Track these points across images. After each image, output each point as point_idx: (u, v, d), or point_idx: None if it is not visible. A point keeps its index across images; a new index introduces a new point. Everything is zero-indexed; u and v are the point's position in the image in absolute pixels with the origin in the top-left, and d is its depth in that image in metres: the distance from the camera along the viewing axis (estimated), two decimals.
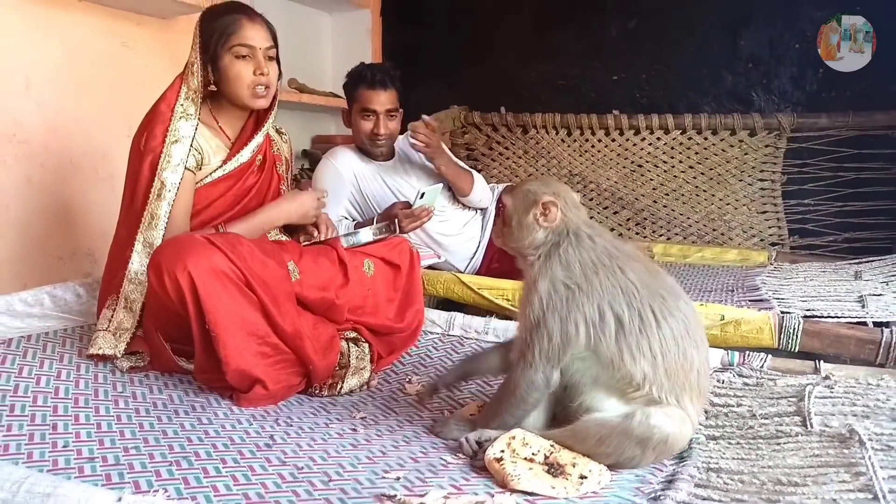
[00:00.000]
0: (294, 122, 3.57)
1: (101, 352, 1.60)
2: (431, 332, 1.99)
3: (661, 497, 1.03)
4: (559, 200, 1.27)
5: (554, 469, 1.13)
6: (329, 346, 1.68)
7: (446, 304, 2.25)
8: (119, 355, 1.62)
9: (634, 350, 1.16)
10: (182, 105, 1.71)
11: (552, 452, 1.17)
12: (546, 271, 1.23)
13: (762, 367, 1.61)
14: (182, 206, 1.70)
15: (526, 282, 1.28)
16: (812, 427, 1.24)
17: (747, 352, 1.66)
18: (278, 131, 2.02)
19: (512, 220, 1.32)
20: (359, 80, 2.36)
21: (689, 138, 3.34)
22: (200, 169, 1.74)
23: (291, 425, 1.38)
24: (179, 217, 1.70)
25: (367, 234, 1.96)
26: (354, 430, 1.38)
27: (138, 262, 1.65)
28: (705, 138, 3.31)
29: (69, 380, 1.50)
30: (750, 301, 2.12)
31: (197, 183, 1.74)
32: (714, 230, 3.33)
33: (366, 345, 1.78)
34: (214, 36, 1.70)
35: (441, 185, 2.26)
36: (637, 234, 3.41)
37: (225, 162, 1.77)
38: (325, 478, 1.12)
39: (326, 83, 3.79)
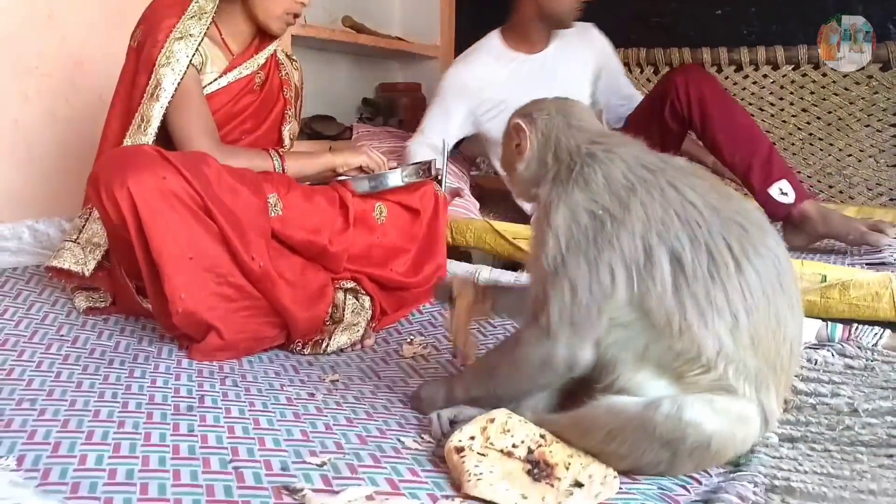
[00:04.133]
0: (353, 67, 3.29)
1: (63, 265, 1.38)
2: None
3: None
4: (538, 119, 0.92)
5: (538, 469, 0.80)
6: (317, 295, 1.40)
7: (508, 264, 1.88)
8: (86, 273, 1.39)
9: (704, 304, 0.79)
10: (198, 2, 1.47)
11: (540, 446, 0.83)
12: (561, 199, 0.88)
13: (875, 345, 1.17)
14: (201, 106, 1.46)
15: (536, 221, 0.93)
16: None
17: (855, 325, 1.23)
18: (289, 57, 1.78)
19: (504, 162, 1.01)
20: None
21: (804, 75, 2.77)
22: (201, 75, 1.50)
23: (238, 385, 1.12)
24: (201, 116, 1.45)
25: (395, 178, 1.60)
26: (312, 395, 1.10)
27: None
28: (824, 74, 2.73)
29: (12, 319, 1.30)
30: (867, 264, 1.64)
31: None
32: (831, 187, 2.76)
33: (366, 298, 1.49)
34: None
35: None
36: (737, 190, 2.90)
37: (221, 75, 1.52)
38: (228, 456, 0.85)
39: (392, 26, 3.48)
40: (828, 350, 1.16)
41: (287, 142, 1.67)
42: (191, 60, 1.42)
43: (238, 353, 1.27)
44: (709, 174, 0.91)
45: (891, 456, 0.81)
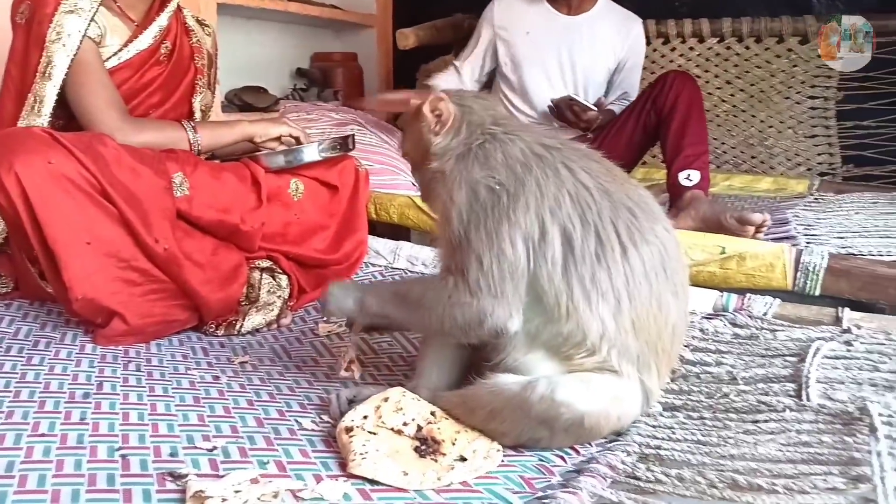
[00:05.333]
0: (286, 36, 3.20)
1: None
2: (375, 265, 1.67)
3: (549, 499, 0.70)
4: (449, 96, 0.93)
5: (426, 446, 0.82)
6: (230, 276, 1.39)
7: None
8: None
9: (589, 286, 0.82)
10: None
11: (430, 423, 0.85)
12: (461, 175, 0.89)
13: (766, 314, 1.23)
14: (102, 78, 1.38)
15: (440, 198, 0.94)
16: (808, 399, 0.88)
17: (749, 295, 1.28)
18: (200, 22, 1.70)
19: (406, 143, 1.00)
20: None
21: (728, 47, 2.83)
22: (100, 47, 1.42)
23: (141, 371, 1.11)
24: (105, 87, 1.37)
25: (312, 152, 1.55)
26: (217, 378, 1.10)
27: None
28: (746, 47, 2.80)
29: None
30: (772, 238, 1.71)
31: None
32: (753, 157, 2.85)
33: (283, 277, 1.49)
34: None
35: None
36: (663, 161, 2.96)
37: (123, 47, 1.45)
38: (117, 443, 0.84)
39: None
40: (720, 320, 1.22)
41: (198, 114, 1.60)
42: (84, 33, 1.34)
43: (146, 338, 1.25)
44: (606, 159, 0.93)
45: (756, 422, 0.86)
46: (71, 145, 1.17)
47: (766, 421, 0.85)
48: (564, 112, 2.15)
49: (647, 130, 2.09)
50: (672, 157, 1.96)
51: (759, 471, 0.73)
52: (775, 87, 2.79)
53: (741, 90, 2.85)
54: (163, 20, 1.50)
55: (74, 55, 1.33)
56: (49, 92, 1.33)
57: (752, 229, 1.66)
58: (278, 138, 1.57)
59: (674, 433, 0.86)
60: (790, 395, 0.90)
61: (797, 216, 1.95)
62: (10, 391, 0.98)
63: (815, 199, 2.25)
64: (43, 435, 0.85)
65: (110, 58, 1.43)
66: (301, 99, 2.94)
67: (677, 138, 1.97)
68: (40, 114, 1.34)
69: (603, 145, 2.11)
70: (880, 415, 0.78)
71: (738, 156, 2.87)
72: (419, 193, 1.06)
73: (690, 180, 1.88)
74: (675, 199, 1.91)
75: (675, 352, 0.90)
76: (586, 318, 0.81)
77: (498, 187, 0.85)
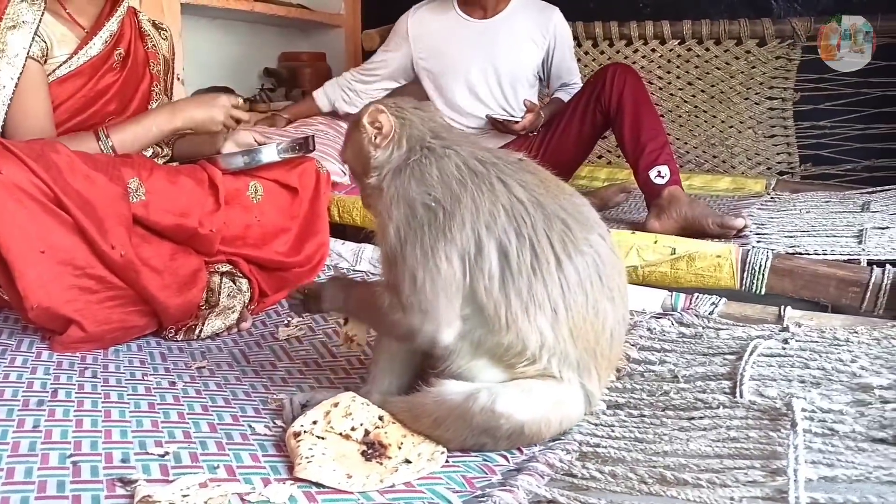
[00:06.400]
0: (253, 35, 3.19)
1: None
2: (337, 267, 1.69)
3: (486, 498, 0.73)
4: (389, 108, 0.94)
5: (372, 450, 0.84)
6: (189, 281, 1.39)
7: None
8: None
9: (527, 298, 0.84)
10: None
11: (378, 427, 0.88)
12: (398, 191, 0.90)
13: (712, 313, 1.28)
14: (37, 105, 1.38)
15: (378, 212, 0.96)
16: (741, 396, 0.92)
17: (696, 294, 1.33)
18: (156, 26, 1.69)
19: (347, 152, 1.01)
20: None
21: (688, 49, 2.89)
22: (45, 62, 1.42)
23: (97, 377, 1.12)
24: (37, 117, 1.37)
25: (270, 153, 1.54)
26: (174, 384, 1.11)
27: None
28: (706, 49, 2.86)
29: None
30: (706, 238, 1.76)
31: None
32: (714, 157, 2.92)
33: (244, 281, 1.50)
34: None
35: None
36: (619, 156, 3.01)
37: (72, 55, 1.45)
38: (69, 450, 0.85)
39: None
40: (668, 319, 1.26)
41: None
42: (28, 53, 1.33)
43: (104, 344, 1.26)
44: (541, 169, 0.95)
45: (691, 418, 0.89)
46: (23, 154, 1.17)
47: (700, 418, 0.89)
48: (497, 124, 2.16)
49: (595, 125, 2.11)
50: (636, 157, 1.97)
51: (688, 466, 0.76)
52: (735, 87, 2.86)
53: (702, 91, 2.91)
54: (113, 25, 1.50)
55: (20, 74, 1.33)
56: None
57: (733, 233, 1.74)
58: (224, 126, 1.54)
59: (613, 431, 0.89)
60: (725, 393, 0.94)
61: (752, 215, 2.00)
62: None
63: (772, 198, 2.32)
64: None
65: (60, 66, 1.43)
66: (269, 99, 2.94)
67: (634, 135, 1.97)
68: None
69: (551, 144, 2.15)
70: (803, 410, 0.82)
71: (701, 155, 2.94)
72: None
73: (662, 177, 1.89)
74: (652, 198, 1.91)
75: (615, 355, 0.93)
76: (525, 329, 0.84)
77: (434, 204, 0.87)
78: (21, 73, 1.34)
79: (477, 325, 0.88)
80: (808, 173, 2.78)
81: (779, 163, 2.82)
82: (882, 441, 0.75)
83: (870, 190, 2.27)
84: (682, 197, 1.88)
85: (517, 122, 2.12)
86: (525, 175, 0.92)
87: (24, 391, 1.03)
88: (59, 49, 1.43)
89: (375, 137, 0.94)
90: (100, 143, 1.41)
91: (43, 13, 1.39)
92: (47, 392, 1.04)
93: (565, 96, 2.29)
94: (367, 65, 2.39)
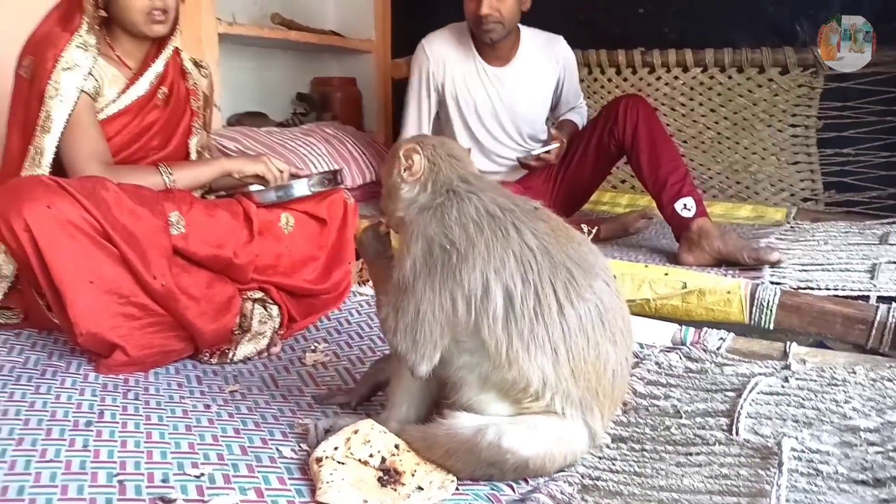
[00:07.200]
0: (286, 62, 3.32)
1: None
2: (361, 294, 1.77)
3: None
4: (425, 149, 1.02)
5: (388, 476, 0.92)
6: (224, 308, 1.49)
7: None
8: None
9: (528, 339, 0.91)
10: (82, 36, 1.50)
11: (394, 455, 0.95)
12: (420, 229, 0.98)
13: (719, 348, 1.33)
14: (91, 131, 1.49)
15: (400, 241, 1.04)
16: (737, 434, 0.97)
17: (705, 329, 1.38)
18: (197, 64, 1.80)
19: (383, 170, 1.09)
20: None
21: (711, 77, 2.93)
22: (96, 100, 1.54)
23: (139, 399, 1.21)
24: (91, 140, 1.48)
25: (302, 188, 1.65)
26: (208, 407, 1.20)
27: None
28: (729, 77, 2.90)
29: None
30: (739, 268, 1.80)
31: None
32: (738, 183, 2.95)
33: (274, 307, 1.59)
34: None
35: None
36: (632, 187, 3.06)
37: (120, 94, 1.56)
38: (116, 469, 0.94)
39: (326, 20, 3.50)
40: (676, 353, 1.31)
41: (194, 154, 1.70)
42: (82, 90, 1.45)
43: (145, 367, 1.35)
44: (554, 217, 1.02)
45: (689, 454, 0.95)
46: (75, 192, 1.27)
47: (697, 454, 0.94)
48: (530, 164, 2.21)
49: (609, 157, 2.18)
50: (658, 190, 2.00)
51: (679, 501, 0.82)
52: (758, 115, 2.89)
53: (725, 118, 2.95)
54: (158, 66, 1.61)
55: (72, 111, 1.44)
56: (48, 144, 1.44)
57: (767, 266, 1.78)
58: (257, 176, 1.66)
59: (615, 464, 0.95)
60: (723, 430, 0.99)
61: (770, 244, 2.04)
62: (20, 419, 1.08)
63: (791, 227, 2.34)
64: (50, 461, 0.96)
65: (109, 105, 1.54)
66: (300, 123, 3.05)
67: (653, 168, 2.02)
68: (40, 165, 1.45)
69: (568, 174, 2.23)
70: (793, 449, 0.87)
71: (724, 181, 2.97)
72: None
73: (689, 209, 1.92)
74: (680, 231, 1.94)
75: (618, 394, 0.99)
76: (526, 367, 0.91)
77: (449, 246, 0.94)
78: (73, 110, 1.46)
79: (483, 359, 0.95)
80: (831, 200, 2.80)
81: (802, 189, 2.84)
82: (863, 483, 0.80)
83: (890, 220, 2.27)
84: (712, 230, 1.90)
85: (548, 154, 2.16)
86: (538, 223, 0.98)
87: (73, 412, 1.13)
88: (108, 89, 1.55)
89: (404, 171, 1.02)
90: (163, 177, 1.53)
91: (96, 59, 1.51)
92: (94, 413, 1.14)
93: (576, 118, 2.37)
94: (413, 122, 2.37)
